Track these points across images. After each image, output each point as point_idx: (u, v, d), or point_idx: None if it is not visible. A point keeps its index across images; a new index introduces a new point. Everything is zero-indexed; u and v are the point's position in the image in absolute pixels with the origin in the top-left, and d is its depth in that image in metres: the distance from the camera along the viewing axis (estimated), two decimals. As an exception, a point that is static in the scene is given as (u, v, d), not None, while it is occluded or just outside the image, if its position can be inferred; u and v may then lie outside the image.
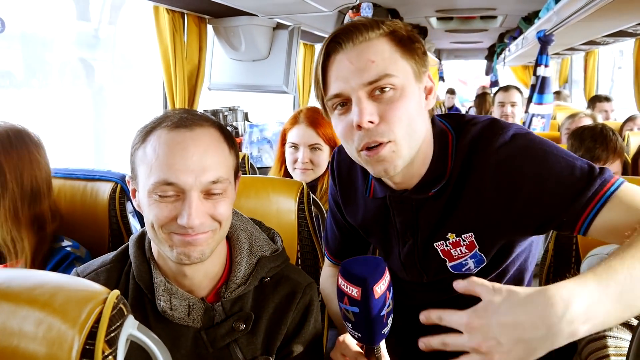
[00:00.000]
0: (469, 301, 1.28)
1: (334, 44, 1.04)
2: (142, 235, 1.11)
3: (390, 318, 0.95)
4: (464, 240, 1.14)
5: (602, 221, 0.96)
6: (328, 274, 1.43)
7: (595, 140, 2.12)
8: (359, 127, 1.01)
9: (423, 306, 1.35)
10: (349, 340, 1.08)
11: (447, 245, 1.16)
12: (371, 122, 1.01)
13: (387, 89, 1.01)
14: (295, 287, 1.12)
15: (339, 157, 1.34)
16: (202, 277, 1.06)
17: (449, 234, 1.15)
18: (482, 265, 1.18)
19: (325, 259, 1.46)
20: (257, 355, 1.06)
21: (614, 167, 2.11)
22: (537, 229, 1.08)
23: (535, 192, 1.02)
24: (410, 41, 1.05)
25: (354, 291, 0.89)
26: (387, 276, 0.92)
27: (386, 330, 0.95)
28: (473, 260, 1.17)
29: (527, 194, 1.02)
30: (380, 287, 0.89)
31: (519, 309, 0.76)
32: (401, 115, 1.02)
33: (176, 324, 1.03)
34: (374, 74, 1.01)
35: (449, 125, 1.15)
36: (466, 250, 1.15)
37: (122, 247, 1.13)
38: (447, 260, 1.19)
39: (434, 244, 1.17)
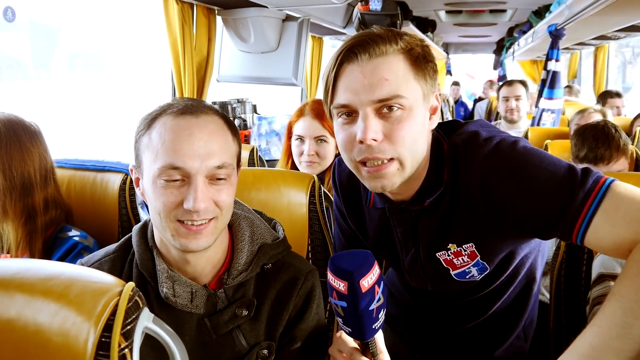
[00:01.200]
0: (476, 307, 1.29)
1: (349, 53, 1.02)
2: (145, 225, 1.13)
3: (382, 313, 0.94)
4: (465, 250, 1.14)
5: (594, 234, 0.93)
6: None
7: (598, 139, 2.09)
8: (362, 142, 1.01)
9: (432, 311, 1.37)
10: (346, 336, 1.08)
11: (449, 255, 1.16)
12: (375, 140, 1.01)
13: (395, 108, 1.01)
14: (297, 274, 1.13)
15: (340, 168, 1.35)
16: (204, 264, 1.07)
17: (450, 245, 1.15)
18: (486, 273, 1.18)
19: None
20: (259, 341, 1.07)
21: (619, 164, 2.08)
22: (535, 236, 1.06)
23: (521, 209, 1.00)
24: (425, 60, 1.04)
25: (341, 285, 0.89)
26: (375, 270, 0.91)
27: (377, 325, 0.93)
28: (476, 268, 1.17)
29: (514, 211, 1.01)
30: (368, 281, 0.88)
31: None
32: (405, 135, 1.01)
33: (179, 311, 1.04)
34: (386, 93, 1.00)
35: (443, 135, 1.15)
36: (468, 260, 1.15)
37: (125, 237, 1.15)
38: (451, 269, 1.19)
39: (436, 254, 1.18)
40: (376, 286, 0.90)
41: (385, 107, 1.01)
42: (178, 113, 0.99)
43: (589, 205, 0.93)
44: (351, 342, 1.04)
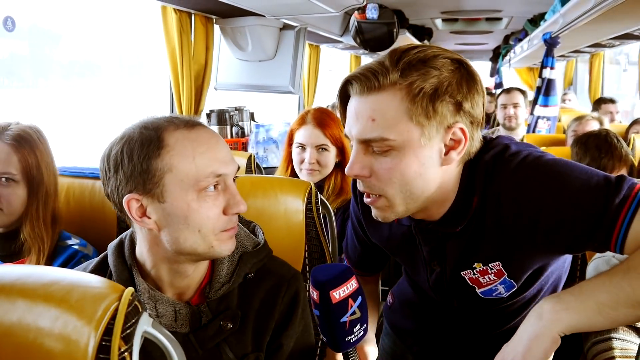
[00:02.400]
0: (495, 321, 1.26)
1: (347, 84, 1.02)
2: (121, 243, 1.09)
3: (358, 328, 0.95)
4: (491, 269, 1.10)
5: (635, 240, 0.90)
6: None
7: (600, 149, 2.10)
8: None
9: (449, 324, 1.35)
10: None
11: (474, 274, 1.13)
12: (362, 175, 1.00)
13: (381, 150, 0.98)
14: (279, 280, 1.11)
15: None
16: (197, 274, 1.06)
17: (476, 264, 1.11)
18: (513, 290, 1.14)
19: None
20: (247, 352, 1.05)
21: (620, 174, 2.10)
22: (567, 251, 1.05)
23: (554, 221, 0.96)
24: (436, 96, 0.95)
25: (315, 294, 0.94)
26: (350, 284, 0.94)
27: (353, 338, 0.95)
28: (503, 286, 1.13)
29: (546, 224, 0.97)
30: (339, 293, 0.92)
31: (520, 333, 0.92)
32: (392, 176, 0.98)
33: None
34: (369, 134, 0.97)
35: (479, 154, 1.09)
36: (495, 278, 1.12)
37: (101, 256, 1.11)
38: (477, 287, 1.16)
39: (461, 273, 1.14)
40: (350, 299, 0.93)
41: (372, 147, 0.99)
42: (189, 126, 0.98)
43: (626, 210, 0.90)
44: (338, 355, 1.04)
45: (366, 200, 1.05)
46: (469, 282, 1.15)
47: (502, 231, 1.03)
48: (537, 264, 1.10)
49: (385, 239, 1.26)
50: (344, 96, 1.05)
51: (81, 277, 0.67)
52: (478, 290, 1.16)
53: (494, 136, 1.14)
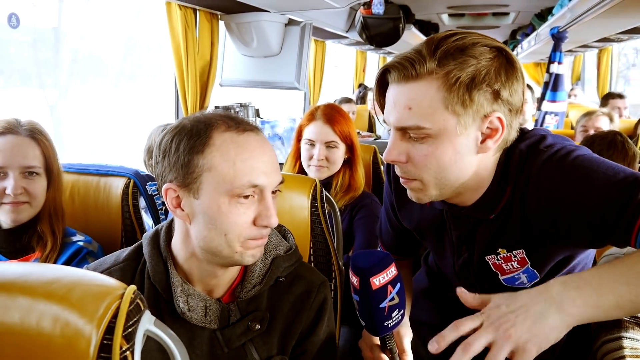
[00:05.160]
0: None
1: (386, 72, 1.03)
2: (157, 233, 1.10)
3: (396, 313, 0.98)
4: (515, 256, 1.11)
5: None
6: None
7: (607, 150, 2.08)
8: None
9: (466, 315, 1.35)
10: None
11: (498, 260, 1.14)
12: (398, 161, 1.02)
13: (417, 137, 0.99)
14: (309, 286, 1.12)
15: None
16: (227, 275, 1.06)
17: (500, 249, 1.12)
18: (536, 280, 1.14)
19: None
20: (272, 354, 1.06)
21: None
22: (590, 245, 1.04)
23: (576, 216, 0.97)
24: (473, 85, 0.95)
25: (355, 280, 0.97)
26: (389, 271, 0.96)
27: (391, 323, 0.98)
28: (526, 275, 1.14)
29: (569, 217, 0.98)
30: (379, 280, 0.95)
31: (522, 295, 0.88)
32: (428, 163, 1.00)
33: (192, 325, 1.02)
34: (406, 122, 0.99)
35: (516, 143, 1.09)
36: (518, 266, 1.13)
37: (135, 245, 1.12)
38: (500, 274, 1.16)
39: (486, 257, 1.15)
40: (389, 286, 0.96)
41: (408, 133, 1.00)
42: (240, 130, 0.98)
43: None
44: (375, 338, 1.05)
45: (402, 180, 1.07)
46: (492, 267, 1.16)
47: (527, 221, 1.05)
48: (560, 256, 1.11)
49: (416, 222, 1.27)
50: (382, 84, 1.06)
51: (83, 275, 0.67)
52: (501, 278, 1.17)
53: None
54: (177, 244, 1.05)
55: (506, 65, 0.98)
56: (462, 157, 1.01)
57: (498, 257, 1.13)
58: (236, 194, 0.95)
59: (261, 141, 1.01)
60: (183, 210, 0.99)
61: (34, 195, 1.34)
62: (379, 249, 1.49)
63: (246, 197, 0.96)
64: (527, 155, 1.04)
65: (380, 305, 0.95)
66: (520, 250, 1.10)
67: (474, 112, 0.97)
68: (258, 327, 1.05)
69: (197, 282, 1.05)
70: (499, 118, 0.98)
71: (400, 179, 1.08)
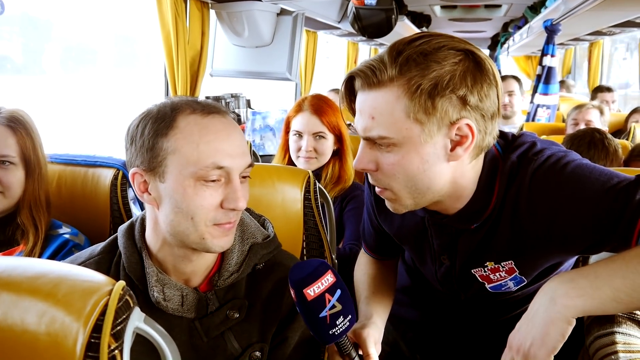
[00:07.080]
0: (498, 310, 1.25)
1: (351, 79, 1.02)
2: (132, 225, 1.10)
3: (341, 320, 0.95)
4: (503, 267, 1.10)
5: None
6: (360, 262, 1.43)
7: (587, 152, 2.08)
8: None
9: (448, 313, 1.34)
10: None
11: (485, 272, 1.13)
12: (368, 169, 1.01)
13: (383, 146, 0.97)
14: (288, 273, 1.11)
15: None
16: (202, 263, 1.05)
17: (488, 262, 1.11)
18: (522, 285, 1.14)
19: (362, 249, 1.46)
20: (252, 342, 1.05)
21: None
22: (584, 252, 1.03)
23: (571, 224, 0.95)
24: (435, 92, 0.91)
25: (292, 293, 0.94)
26: (325, 279, 0.94)
27: (337, 331, 0.95)
28: (513, 281, 1.13)
29: (563, 225, 0.96)
30: (313, 290, 0.92)
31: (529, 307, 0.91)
32: (395, 172, 0.98)
33: (170, 315, 1.01)
34: (370, 132, 0.97)
35: (499, 148, 1.07)
36: (505, 275, 1.11)
37: (110, 238, 1.11)
38: (486, 283, 1.15)
39: (472, 270, 1.14)
40: (327, 294, 0.94)
41: (376, 142, 0.98)
42: (205, 112, 0.98)
43: None
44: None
45: (377, 190, 1.06)
46: (479, 278, 1.14)
47: (518, 232, 1.02)
48: (550, 263, 1.10)
49: (396, 228, 1.25)
50: (349, 91, 1.04)
51: (69, 270, 0.64)
52: (487, 286, 1.15)
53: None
54: (149, 233, 1.05)
55: (473, 69, 0.94)
56: (431, 165, 0.97)
57: (485, 269, 1.12)
58: (201, 176, 0.94)
59: (227, 124, 1.00)
60: (150, 194, 0.99)
61: (7, 186, 1.31)
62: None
63: (213, 181, 0.96)
64: (518, 165, 1.02)
65: (320, 315, 0.93)
66: (509, 262, 1.08)
67: (439, 119, 0.93)
68: (237, 315, 1.04)
69: (172, 271, 1.04)
70: (468, 125, 0.94)
71: (376, 189, 1.06)
